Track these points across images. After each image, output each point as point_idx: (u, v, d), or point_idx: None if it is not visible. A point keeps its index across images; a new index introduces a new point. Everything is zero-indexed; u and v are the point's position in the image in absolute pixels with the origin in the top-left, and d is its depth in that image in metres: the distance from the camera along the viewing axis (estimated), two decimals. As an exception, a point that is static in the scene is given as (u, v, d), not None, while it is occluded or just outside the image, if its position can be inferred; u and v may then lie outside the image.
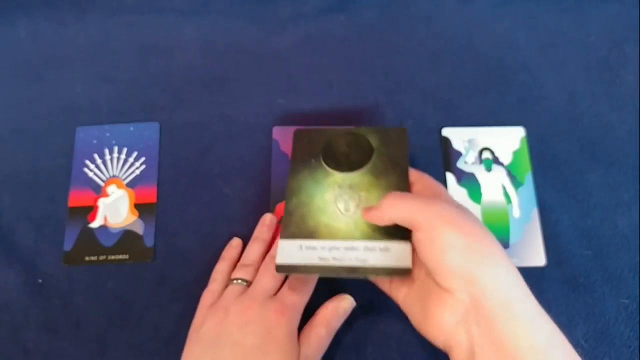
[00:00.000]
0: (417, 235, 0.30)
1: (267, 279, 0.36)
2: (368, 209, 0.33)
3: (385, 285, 0.35)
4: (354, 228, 0.34)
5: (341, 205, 0.36)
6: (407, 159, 0.38)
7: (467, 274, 0.28)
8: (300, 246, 0.34)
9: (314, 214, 0.36)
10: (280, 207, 0.42)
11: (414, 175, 0.37)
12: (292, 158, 0.40)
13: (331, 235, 0.35)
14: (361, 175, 0.37)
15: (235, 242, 0.41)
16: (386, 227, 0.32)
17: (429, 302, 0.30)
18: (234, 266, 0.39)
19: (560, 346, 0.27)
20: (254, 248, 0.40)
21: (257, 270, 0.38)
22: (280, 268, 0.34)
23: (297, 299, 0.36)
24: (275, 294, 0.36)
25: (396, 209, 0.31)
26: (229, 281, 0.38)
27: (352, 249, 0.33)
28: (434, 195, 0.34)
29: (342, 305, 0.37)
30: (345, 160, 0.38)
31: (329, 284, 0.40)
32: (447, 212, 0.29)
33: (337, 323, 0.37)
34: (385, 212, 0.32)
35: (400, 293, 0.33)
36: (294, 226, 0.35)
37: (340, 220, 0.35)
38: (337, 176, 0.38)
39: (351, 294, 0.39)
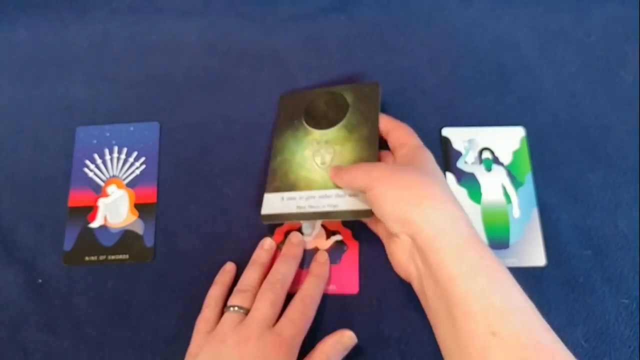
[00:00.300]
0: (366, 196, 0.35)
1: (265, 308, 0.35)
2: (335, 175, 0.38)
3: (372, 225, 0.40)
4: (328, 179, 0.39)
5: (318, 160, 0.40)
6: (378, 111, 0.41)
7: (402, 218, 0.33)
8: (282, 198, 0.39)
9: (294, 169, 0.41)
10: (279, 230, 0.42)
11: (388, 124, 0.41)
12: (277, 120, 0.45)
13: (309, 186, 0.39)
14: (337, 131, 0.42)
15: (229, 266, 0.41)
16: None
17: (390, 243, 0.36)
18: (228, 291, 0.39)
19: (485, 272, 0.30)
20: (251, 273, 0.39)
21: (254, 296, 0.37)
22: (264, 218, 0.39)
23: (295, 331, 0.35)
24: (274, 323, 0.35)
25: (351, 181, 0.37)
26: (225, 307, 0.37)
27: (326, 196, 0.38)
28: (400, 146, 0.39)
29: (342, 341, 0.36)
30: (324, 118, 0.43)
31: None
32: (383, 172, 0.35)
33: (337, 359, 0.36)
34: (345, 183, 0.37)
35: (382, 233, 0.38)
36: (278, 181, 0.41)
37: (317, 173, 0.40)
38: (316, 133, 0.42)
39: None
